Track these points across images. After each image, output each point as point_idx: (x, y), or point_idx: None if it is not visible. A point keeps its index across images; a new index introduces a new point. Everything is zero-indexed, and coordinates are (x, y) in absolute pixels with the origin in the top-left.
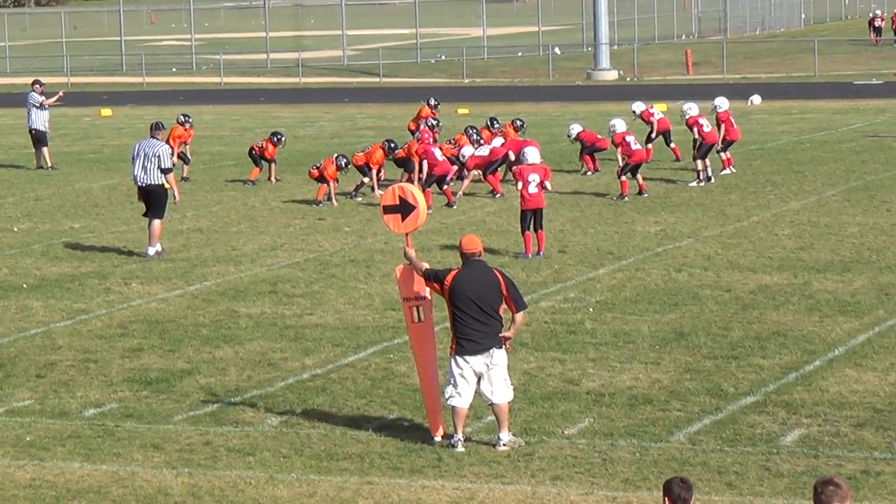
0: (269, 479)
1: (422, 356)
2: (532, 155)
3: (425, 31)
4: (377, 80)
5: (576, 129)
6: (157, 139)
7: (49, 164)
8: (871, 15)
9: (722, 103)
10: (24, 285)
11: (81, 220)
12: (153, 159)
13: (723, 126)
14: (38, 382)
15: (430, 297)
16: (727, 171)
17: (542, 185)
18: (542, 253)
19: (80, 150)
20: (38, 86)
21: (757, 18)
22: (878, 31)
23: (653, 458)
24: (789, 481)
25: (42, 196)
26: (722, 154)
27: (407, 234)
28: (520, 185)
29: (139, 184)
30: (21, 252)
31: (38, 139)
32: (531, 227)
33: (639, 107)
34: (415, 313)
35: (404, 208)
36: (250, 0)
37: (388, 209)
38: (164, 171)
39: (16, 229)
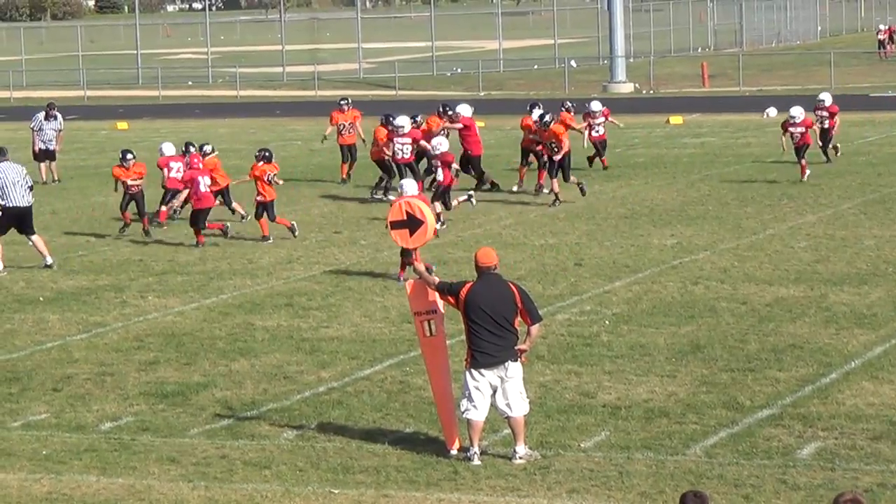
0: (285, 492)
1: (435, 370)
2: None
3: (441, 44)
4: (393, 93)
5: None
6: (9, 160)
7: (55, 177)
8: (875, 29)
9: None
10: (41, 298)
11: (97, 232)
12: (25, 180)
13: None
14: (55, 396)
15: (441, 311)
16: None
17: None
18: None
19: (96, 164)
20: (51, 108)
21: (773, 31)
22: (881, 44)
23: (669, 471)
24: (806, 494)
25: (58, 209)
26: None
27: (415, 249)
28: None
29: (22, 205)
30: (37, 265)
31: (45, 156)
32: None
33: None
34: (426, 327)
35: (412, 223)
36: (266, 13)
37: (395, 224)
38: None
39: (31, 243)
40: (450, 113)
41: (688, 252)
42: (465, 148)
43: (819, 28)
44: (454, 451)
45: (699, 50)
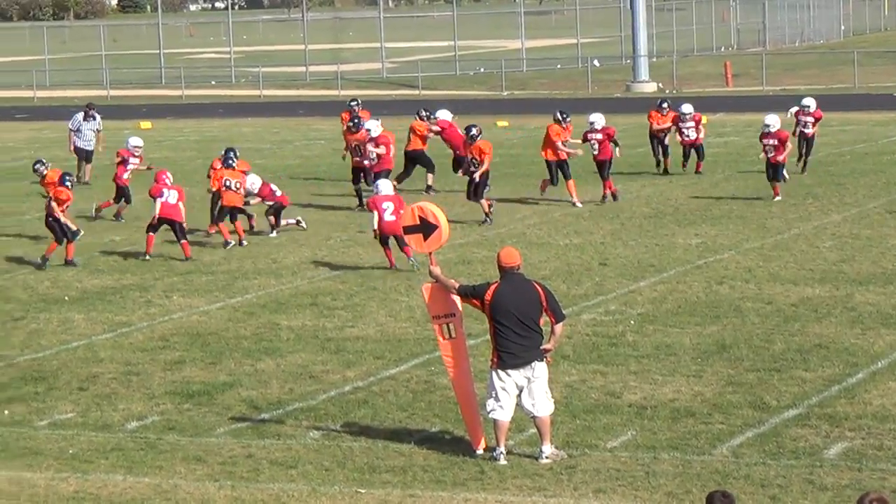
0: (311, 491)
1: (457, 371)
2: (385, 187)
3: (464, 44)
4: (416, 92)
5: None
6: None
7: (86, 180)
8: None
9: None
10: (66, 298)
11: (122, 233)
12: None
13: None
14: (81, 395)
15: (460, 313)
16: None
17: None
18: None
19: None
20: (90, 108)
21: (796, 30)
22: None
23: (696, 471)
24: (833, 495)
25: (83, 209)
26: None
27: (430, 253)
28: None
29: None
30: (63, 265)
31: (83, 156)
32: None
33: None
34: (445, 330)
35: (425, 228)
36: (289, 12)
37: (408, 229)
38: None
39: None
40: (429, 116)
41: (713, 252)
42: (454, 149)
43: (843, 27)
44: (480, 451)
45: (722, 49)
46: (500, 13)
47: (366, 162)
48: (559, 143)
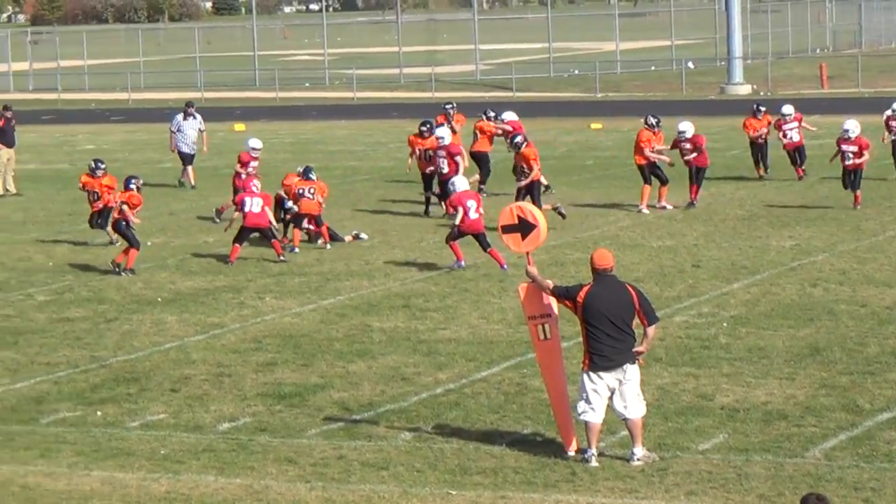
0: (402, 493)
1: (550, 373)
2: (462, 183)
3: (558, 46)
4: (510, 94)
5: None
6: None
7: (191, 184)
8: None
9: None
10: (159, 299)
11: (215, 235)
12: None
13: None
14: (173, 396)
15: (555, 314)
16: None
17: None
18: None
19: (214, 165)
20: (189, 107)
21: (893, 31)
22: None
23: (788, 473)
24: None
25: (176, 211)
26: None
27: (528, 253)
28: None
29: None
30: (156, 266)
31: (184, 159)
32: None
33: None
34: (541, 331)
35: (524, 227)
36: (383, 14)
37: (506, 229)
38: None
39: (150, 243)
40: (496, 116)
41: (806, 254)
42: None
43: None
44: (571, 453)
45: (817, 51)
46: (594, 15)
47: (429, 169)
48: (646, 150)
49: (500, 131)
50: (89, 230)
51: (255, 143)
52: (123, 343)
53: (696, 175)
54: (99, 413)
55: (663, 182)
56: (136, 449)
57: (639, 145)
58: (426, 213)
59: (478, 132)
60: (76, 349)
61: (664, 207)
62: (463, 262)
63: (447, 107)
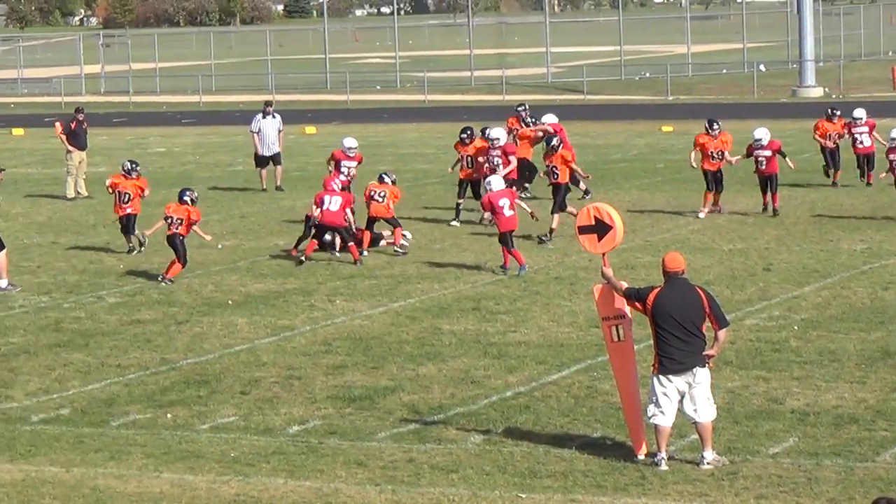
0: (472, 496)
1: (622, 374)
2: (497, 182)
3: (629, 48)
4: (581, 97)
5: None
6: None
7: (278, 184)
8: None
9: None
10: (230, 302)
11: (286, 237)
12: None
13: None
14: (243, 399)
15: (629, 316)
16: None
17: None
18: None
19: (285, 168)
20: (268, 106)
21: None
22: None
23: (858, 477)
24: None
25: (247, 213)
26: None
27: (604, 254)
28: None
29: None
30: (226, 269)
31: (266, 161)
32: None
33: None
34: (614, 332)
35: (600, 228)
36: (454, 17)
37: (583, 229)
38: None
39: (220, 246)
40: (534, 121)
41: (878, 257)
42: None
43: None
44: (641, 456)
45: (890, 53)
46: (666, 18)
47: (473, 175)
48: (707, 153)
49: (540, 133)
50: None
51: (350, 142)
52: (194, 345)
53: (772, 183)
54: (169, 415)
55: (716, 189)
56: (205, 451)
57: (704, 150)
58: (456, 218)
59: (517, 139)
60: (147, 351)
61: (699, 216)
62: (525, 266)
63: (519, 109)
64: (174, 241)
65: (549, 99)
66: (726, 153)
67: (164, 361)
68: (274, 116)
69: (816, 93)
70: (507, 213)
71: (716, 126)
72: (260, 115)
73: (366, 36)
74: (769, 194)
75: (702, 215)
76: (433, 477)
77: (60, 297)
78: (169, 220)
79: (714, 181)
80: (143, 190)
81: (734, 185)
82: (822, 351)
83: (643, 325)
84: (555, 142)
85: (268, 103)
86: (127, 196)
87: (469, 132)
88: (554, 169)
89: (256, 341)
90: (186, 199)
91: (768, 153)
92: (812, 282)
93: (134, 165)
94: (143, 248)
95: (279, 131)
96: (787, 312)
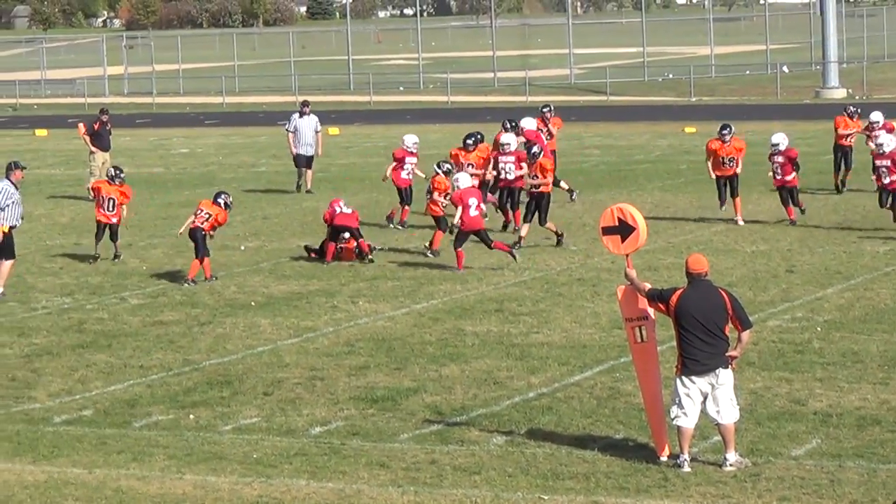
0: (494, 497)
1: (645, 376)
2: (466, 180)
3: (652, 50)
4: (604, 98)
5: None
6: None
7: (308, 188)
8: None
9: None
10: (253, 303)
11: (309, 239)
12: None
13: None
14: (266, 400)
15: (653, 317)
16: None
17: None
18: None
19: (314, 171)
20: (304, 106)
21: None
22: None
23: (881, 479)
24: None
25: (270, 215)
26: None
27: (627, 255)
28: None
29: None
30: (249, 270)
31: (300, 162)
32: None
33: None
34: (637, 333)
35: (623, 229)
36: (477, 19)
37: (606, 230)
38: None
39: (243, 248)
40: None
41: None
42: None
43: None
44: (664, 458)
45: None
46: (688, 19)
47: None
48: (719, 159)
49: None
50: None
51: (411, 139)
52: (216, 346)
53: (793, 195)
54: (192, 416)
55: (734, 195)
56: (228, 453)
57: (716, 156)
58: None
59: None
60: (169, 352)
61: (737, 222)
62: (462, 270)
63: (544, 110)
64: (195, 234)
65: (572, 100)
66: (738, 159)
67: (186, 362)
68: (310, 116)
69: (840, 94)
70: (473, 212)
71: (725, 131)
72: (296, 115)
73: (389, 37)
74: (791, 206)
75: (741, 221)
76: (456, 478)
77: (83, 298)
78: (199, 212)
79: (728, 188)
80: (127, 197)
81: (758, 187)
82: (845, 352)
83: (666, 326)
84: (535, 149)
85: (304, 103)
86: (112, 202)
87: (474, 139)
88: (535, 177)
89: (279, 342)
90: (220, 201)
91: (781, 160)
92: (835, 283)
93: (118, 172)
94: (117, 258)
95: (316, 131)
96: (809, 314)
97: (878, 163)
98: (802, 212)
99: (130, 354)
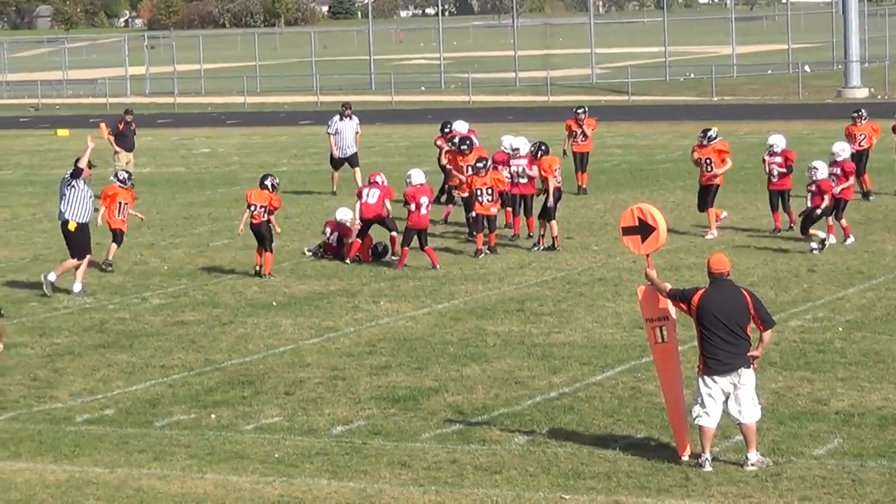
0: (515, 497)
1: (667, 376)
2: (418, 177)
3: (674, 49)
4: (626, 98)
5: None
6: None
7: (333, 187)
8: None
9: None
10: (274, 303)
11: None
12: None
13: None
14: (287, 400)
15: (673, 317)
16: None
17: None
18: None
19: (328, 169)
20: (346, 108)
21: None
22: None
23: None
24: None
25: (291, 215)
26: None
27: (648, 255)
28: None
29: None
30: (271, 270)
31: (336, 164)
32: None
33: None
34: (658, 334)
35: (643, 229)
36: (499, 19)
37: (626, 230)
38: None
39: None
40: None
41: None
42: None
43: None
44: (685, 457)
45: None
46: (710, 19)
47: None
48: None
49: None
50: (204, 234)
51: (512, 140)
52: (238, 346)
53: (783, 199)
54: (213, 416)
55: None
56: (249, 452)
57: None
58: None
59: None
60: (191, 352)
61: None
62: (401, 268)
63: (578, 111)
64: (260, 230)
65: (594, 100)
66: (713, 161)
67: (208, 362)
68: (352, 118)
69: (862, 93)
70: (423, 211)
71: (710, 134)
72: (337, 117)
73: (410, 37)
74: (780, 212)
75: (710, 236)
76: (477, 478)
77: (105, 298)
78: (253, 208)
79: (705, 195)
80: (132, 199)
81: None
82: (866, 352)
83: (687, 326)
84: (479, 164)
85: (346, 105)
86: (125, 207)
87: (469, 142)
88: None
89: (301, 342)
90: (267, 183)
91: (779, 160)
92: (857, 283)
93: (129, 176)
94: (107, 269)
95: (356, 133)
96: (831, 314)
97: (833, 169)
98: (791, 228)
99: (152, 354)
